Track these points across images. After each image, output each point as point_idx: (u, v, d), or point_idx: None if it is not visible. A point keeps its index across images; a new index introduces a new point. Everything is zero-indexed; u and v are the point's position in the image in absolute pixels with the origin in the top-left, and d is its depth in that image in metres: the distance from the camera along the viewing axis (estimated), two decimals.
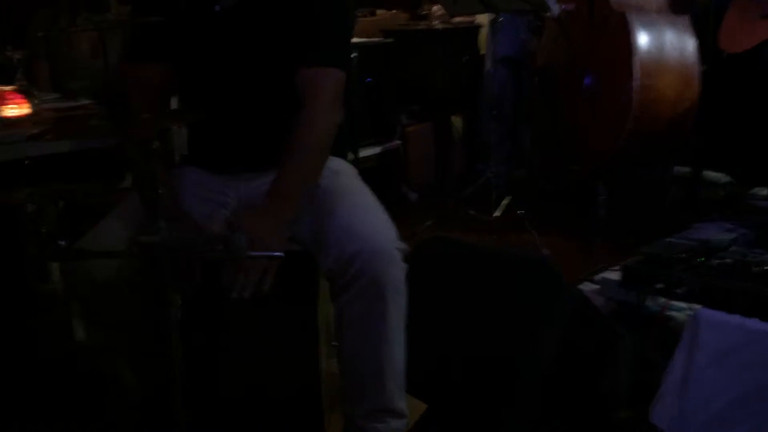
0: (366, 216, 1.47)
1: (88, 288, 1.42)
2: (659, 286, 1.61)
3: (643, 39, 2.66)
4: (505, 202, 2.97)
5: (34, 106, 1.94)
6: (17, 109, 1.91)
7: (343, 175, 1.59)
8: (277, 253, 1.14)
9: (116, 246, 1.32)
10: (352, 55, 3.11)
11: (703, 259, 1.68)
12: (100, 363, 1.54)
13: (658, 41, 2.68)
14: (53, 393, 1.85)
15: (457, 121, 3.98)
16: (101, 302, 1.43)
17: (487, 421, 1.63)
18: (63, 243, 1.08)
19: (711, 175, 3.28)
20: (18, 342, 1.98)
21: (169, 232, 1.02)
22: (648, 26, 2.69)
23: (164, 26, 1.45)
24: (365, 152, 3.44)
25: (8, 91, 1.94)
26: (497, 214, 2.97)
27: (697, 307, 1.55)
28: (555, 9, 2.76)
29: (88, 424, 1.68)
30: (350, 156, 3.09)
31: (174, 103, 1.73)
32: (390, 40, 3.76)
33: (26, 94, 1.95)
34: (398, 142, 3.72)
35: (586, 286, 2.07)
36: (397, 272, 1.41)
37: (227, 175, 1.58)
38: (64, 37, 2.45)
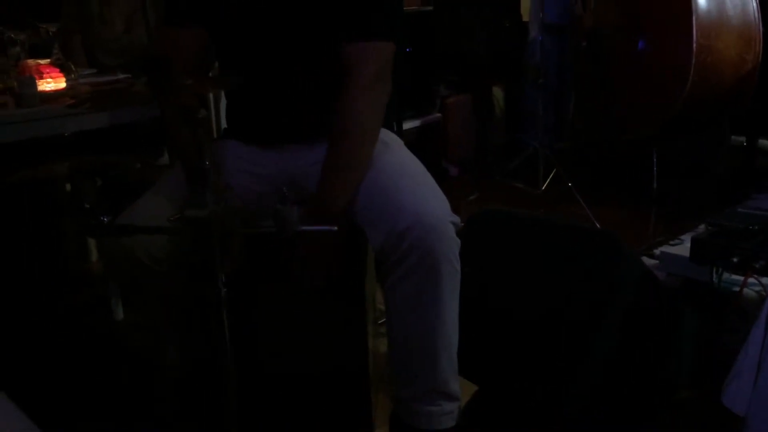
0: (417, 189, 1.40)
1: (129, 266, 1.38)
2: (735, 260, 1.50)
3: None
4: (552, 174, 2.87)
5: (70, 80, 1.90)
6: (53, 83, 1.87)
7: (392, 146, 1.53)
8: (330, 227, 1.08)
9: (157, 221, 1.28)
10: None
11: None
12: (145, 342, 1.50)
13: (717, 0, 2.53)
14: (95, 372, 1.83)
15: (498, 91, 3.87)
16: (143, 280, 1.39)
17: (545, 404, 1.55)
18: (105, 219, 1.02)
19: (767, 144, 3.15)
20: (60, 321, 1.97)
21: (217, 206, 0.96)
22: None
23: None
24: (405, 125, 3.35)
25: (45, 65, 1.91)
26: (544, 186, 2.87)
27: None
28: None
29: (133, 405, 1.66)
30: (394, 127, 3.01)
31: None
32: (429, 7, 3.65)
33: (63, 68, 1.91)
34: (438, 114, 3.62)
35: (645, 261, 1.97)
36: (450, 247, 1.35)
37: (271, 147, 1.52)
38: (98, 11, 2.40)
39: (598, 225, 2.56)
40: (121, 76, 2.04)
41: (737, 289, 1.76)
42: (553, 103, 3.46)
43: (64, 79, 1.90)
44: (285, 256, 1.36)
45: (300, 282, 1.41)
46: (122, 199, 1.44)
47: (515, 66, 3.68)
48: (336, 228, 1.12)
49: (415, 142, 3.39)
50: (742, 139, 3.13)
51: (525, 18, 3.76)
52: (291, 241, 1.25)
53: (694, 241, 1.61)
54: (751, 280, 1.62)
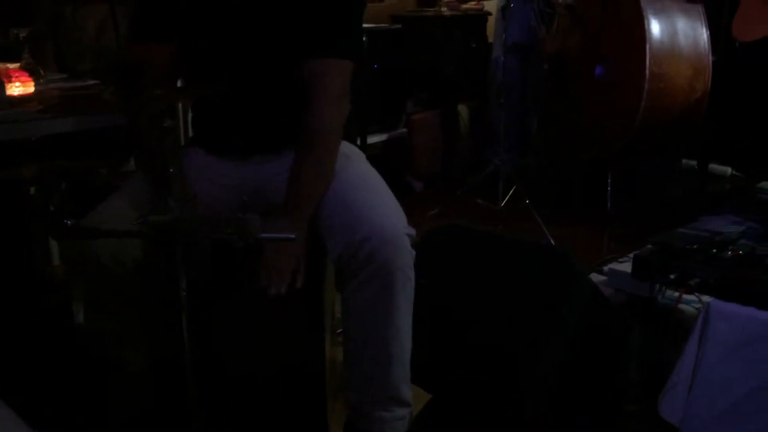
0: (376, 202, 1.45)
1: (91, 268, 1.40)
2: (672, 277, 1.59)
3: (655, 27, 2.63)
4: (512, 191, 2.95)
5: (39, 85, 1.92)
6: (22, 87, 1.89)
7: (353, 159, 1.58)
8: (289, 235, 1.13)
9: (120, 226, 1.31)
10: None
11: (715, 251, 1.66)
12: (105, 346, 1.52)
13: (671, 30, 2.65)
14: (57, 377, 1.84)
15: (463, 109, 3.95)
16: (105, 283, 1.42)
17: (494, 412, 1.61)
18: (70, 222, 1.06)
19: (717, 168, 3.27)
20: (24, 325, 1.97)
21: (179, 212, 1.00)
22: (661, 14, 2.66)
23: (170, 5, 1.42)
24: (370, 139, 3.41)
25: (14, 69, 1.92)
26: (504, 203, 2.95)
27: (708, 299, 1.53)
28: None
29: (93, 409, 1.67)
30: (358, 141, 3.06)
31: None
32: (398, 26, 3.72)
33: (32, 72, 1.93)
34: (404, 129, 3.69)
35: (595, 277, 2.05)
36: (406, 258, 1.40)
37: (235, 158, 1.56)
38: (70, 16, 2.41)
39: (552, 241, 2.64)
40: (91, 81, 2.06)
41: (681, 305, 1.85)
42: (516, 121, 3.54)
43: (32, 84, 1.91)
44: (246, 264, 1.41)
45: (260, 289, 1.45)
46: (88, 203, 1.46)
47: (480, 85, 3.77)
48: (294, 236, 1.16)
49: (380, 156, 3.44)
50: (694, 163, 3.25)
51: (491, 39, 3.85)
52: (252, 249, 1.29)
53: (635, 258, 1.69)
54: (692, 296, 1.71)
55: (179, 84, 1.72)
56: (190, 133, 1.69)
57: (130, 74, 1.01)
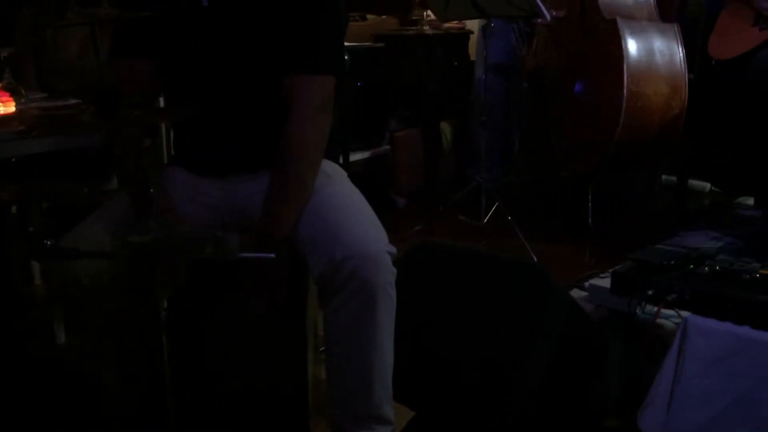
0: (357, 220, 1.46)
1: (72, 288, 1.40)
2: (650, 292, 1.61)
3: (632, 46, 2.68)
4: (494, 207, 2.97)
5: (20, 104, 1.92)
6: (3, 107, 1.88)
7: (334, 178, 1.58)
8: (268, 255, 1.13)
9: (100, 246, 1.31)
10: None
11: (692, 266, 1.68)
12: (86, 366, 1.52)
13: (648, 49, 2.71)
14: (37, 396, 1.82)
15: (446, 127, 3.98)
16: (85, 303, 1.42)
17: (477, 427, 1.62)
18: (49, 243, 1.06)
19: (696, 184, 3.32)
20: (4, 344, 1.95)
21: (159, 233, 1.00)
22: (638, 34, 2.71)
23: (151, 22, 1.43)
24: (354, 157, 3.42)
25: None
26: (486, 219, 2.97)
27: (687, 314, 1.54)
28: (548, 15, 2.77)
29: (74, 428, 1.65)
30: (340, 159, 3.08)
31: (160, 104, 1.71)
32: (380, 44, 3.76)
33: (13, 92, 1.93)
34: (387, 147, 3.71)
35: (576, 293, 2.06)
36: (386, 276, 1.41)
37: (216, 176, 1.57)
38: (52, 35, 2.42)
39: (534, 257, 2.66)
40: (72, 101, 2.06)
41: (660, 320, 1.87)
42: (499, 139, 3.58)
43: (13, 104, 1.91)
44: (226, 283, 1.41)
45: (241, 308, 1.45)
46: (69, 223, 1.46)
47: (463, 102, 3.81)
48: (274, 255, 1.17)
49: (363, 173, 3.46)
50: (674, 179, 3.29)
51: (473, 57, 3.89)
52: (232, 268, 1.30)
53: (614, 274, 1.71)
54: (670, 311, 1.73)
55: (161, 102, 1.73)
56: (173, 152, 1.70)
57: (108, 96, 1.01)
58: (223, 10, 1.50)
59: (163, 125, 1.99)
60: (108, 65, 1.55)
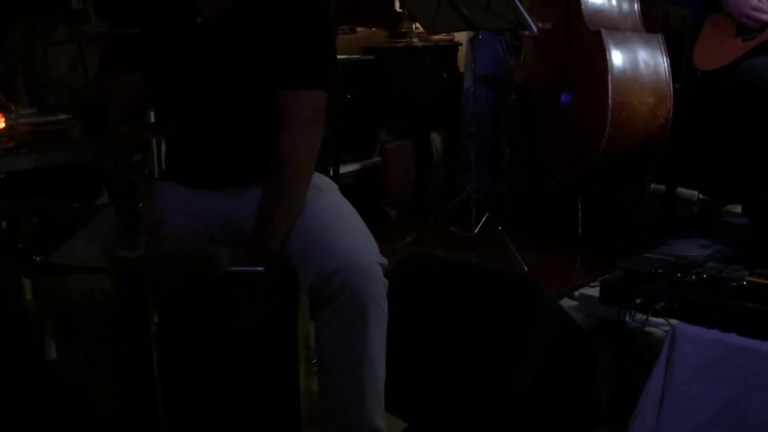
0: (347, 232, 1.47)
1: (62, 303, 1.40)
2: (638, 301, 1.62)
3: (617, 57, 2.71)
4: (484, 218, 2.99)
5: (9, 120, 1.92)
6: None
7: (325, 191, 1.60)
8: (257, 268, 1.14)
9: (90, 261, 1.31)
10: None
11: (680, 275, 1.70)
12: (77, 380, 1.51)
13: (632, 60, 2.74)
14: (29, 411, 1.82)
15: (436, 137, 4.00)
16: (76, 317, 1.42)
17: None
18: (38, 259, 1.06)
19: (685, 192, 3.35)
20: None
21: (148, 247, 1.01)
22: (622, 45, 2.75)
23: (143, 36, 1.44)
24: (344, 169, 3.43)
25: None
26: (477, 230, 2.98)
27: (675, 322, 1.56)
28: (534, 27, 2.80)
29: None
30: (330, 172, 3.08)
31: (152, 118, 1.72)
32: (370, 57, 3.78)
33: (2, 108, 1.93)
34: (377, 158, 3.72)
35: (566, 302, 2.08)
36: (378, 288, 1.42)
37: (207, 189, 1.57)
38: (42, 51, 2.42)
39: (525, 267, 2.67)
40: (62, 116, 2.07)
41: (649, 329, 1.88)
42: (488, 149, 3.60)
43: (3, 120, 1.91)
44: (217, 296, 1.41)
45: (232, 321, 1.46)
46: (60, 238, 1.46)
47: (452, 114, 3.83)
48: (263, 268, 1.18)
49: (355, 185, 3.47)
50: (663, 187, 3.32)
51: (462, 69, 3.92)
52: (223, 281, 1.30)
53: (602, 284, 1.73)
54: (659, 319, 1.74)
55: (152, 116, 1.73)
56: (164, 166, 1.70)
57: (96, 112, 1.02)
58: (216, 26, 1.51)
59: (154, 139, 2.00)
60: (98, 78, 1.56)
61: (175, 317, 1.32)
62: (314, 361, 1.57)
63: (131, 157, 1.04)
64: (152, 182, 1.59)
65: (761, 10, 2.50)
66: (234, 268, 1.05)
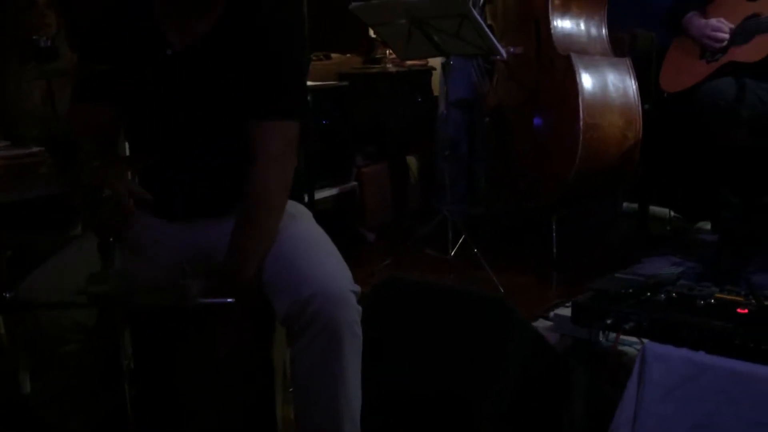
0: (320, 260, 1.48)
1: (34, 336, 1.39)
2: (608, 321, 1.65)
3: (587, 81, 2.77)
4: (460, 240, 3.01)
5: None
6: None
7: (298, 219, 1.60)
8: (227, 300, 1.15)
9: (60, 294, 1.30)
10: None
11: (649, 294, 1.73)
12: (51, 414, 1.50)
13: (602, 83, 2.80)
14: None
15: (412, 161, 4.04)
16: (49, 350, 1.41)
17: None
18: (8, 295, 1.06)
19: (657, 210, 3.40)
20: None
21: (119, 281, 1.01)
22: (591, 68, 2.81)
23: (114, 68, 1.44)
24: (321, 194, 3.45)
25: None
26: (453, 252, 3.00)
27: (646, 341, 1.58)
28: (503, 52, 2.86)
29: None
30: (305, 198, 3.10)
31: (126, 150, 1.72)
32: (345, 83, 3.82)
33: None
34: (354, 183, 3.75)
35: (541, 323, 2.10)
36: (351, 315, 1.42)
37: (180, 220, 1.58)
38: (15, 83, 2.42)
39: (501, 289, 2.69)
40: (35, 149, 2.06)
41: (623, 347, 1.91)
42: (463, 172, 3.64)
43: None
44: (191, 327, 1.41)
45: (206, 351, 1.45)
46: (32, 271, 1.46)
47: (428, 137, 3.87)
48: (233, 300, 1.18)
49: (331, 210, 3.49)
50: (635, 206, 3.37)
51: (436, 93, 3.97)
52: (194, 313, 1.30)
53: (573, 305, 1.75)
54: (631, 338, 1.76)
55: (126, 147, 1.73)
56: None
57: (64, 148, 1.03)
58: (186, 58, 1.52)
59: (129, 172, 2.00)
60: (69, 111, 1.56)
61: (149, 349, 1.31)
62: (291, 389, 1.57)
63: (102, 192, 1.04)
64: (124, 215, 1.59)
65: (720, 30, 2.57)
66: (204, 300, 1.06)
